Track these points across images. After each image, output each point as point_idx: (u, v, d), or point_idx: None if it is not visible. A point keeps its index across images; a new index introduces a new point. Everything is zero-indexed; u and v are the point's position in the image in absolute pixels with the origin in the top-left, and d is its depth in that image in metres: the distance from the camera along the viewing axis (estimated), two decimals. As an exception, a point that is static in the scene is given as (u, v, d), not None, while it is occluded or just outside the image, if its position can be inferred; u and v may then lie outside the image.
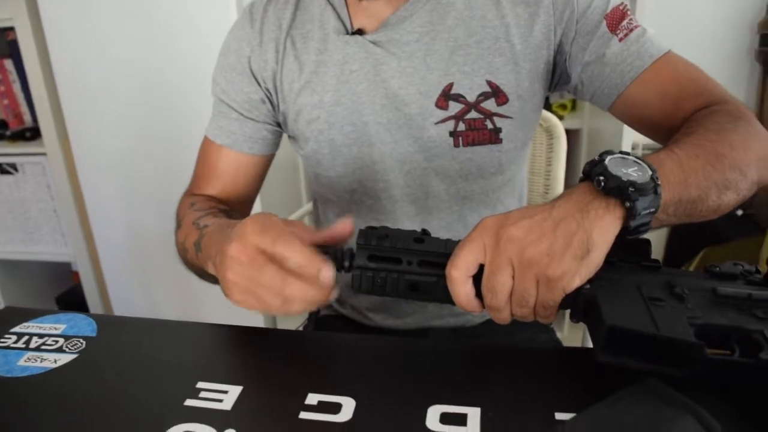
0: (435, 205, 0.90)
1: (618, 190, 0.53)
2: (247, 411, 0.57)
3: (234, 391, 0.59)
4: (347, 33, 0.85)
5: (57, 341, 0.70)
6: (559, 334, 1.08)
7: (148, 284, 1.99)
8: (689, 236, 2.13)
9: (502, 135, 0.84)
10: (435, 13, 0.83)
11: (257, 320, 1.59)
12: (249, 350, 0.70)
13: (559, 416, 0.53)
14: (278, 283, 0.58)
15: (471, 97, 0.83)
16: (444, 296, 0.58)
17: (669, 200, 0.57)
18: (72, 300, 2.30)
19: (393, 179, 0.88)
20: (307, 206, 1.35)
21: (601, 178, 0.54)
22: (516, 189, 0.97)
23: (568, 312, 0.57)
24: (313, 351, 0.68)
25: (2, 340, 0.70)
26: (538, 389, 0.58)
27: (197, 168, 0.97)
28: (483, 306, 0.57)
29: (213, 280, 0.71)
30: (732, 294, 0.56)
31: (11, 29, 1.88)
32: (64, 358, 0.66)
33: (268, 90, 0.90)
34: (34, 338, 0.70)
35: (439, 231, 0.90)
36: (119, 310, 2.06)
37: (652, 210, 0.54)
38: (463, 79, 0.82)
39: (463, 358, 0.65)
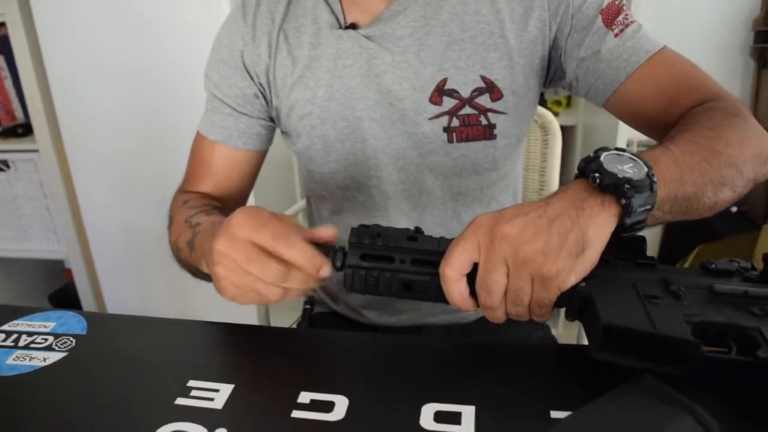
0: (429, 201, 0.89)
1: (613, 187, 0.53)
2: (238, 410, 0.56)
3: (225, 390, 0.59)
4: (340, 27, 0.85)
5: (46, 339, 0.69)
6: (554, 331, 1.08)
7: (142, 281, 1.98)
8: (684, 233, 2.14)
9: (496, 131, 0.84)
10: (429, 8, 0.83)
11: (251, 317, 1.59)
12: (241, 348, 0.69)
13: (555, 414, 0.53)
14: (281, 276, 0.58)
15: (465, 93, 0.82)
16: (438, 295, 0.58)
17: (665, 197, 0.57)
18: (65, 298, 2.29)
19: (386, 175, 0.87)
20: (301, 203, 1.34)
21: (597, 175, 0.54)
22: (510, 185, 0.96)
23: (563, 310, 0.57)
24: (305, 349, 0.67)
25: (-9, 338, 0.70)
26: (534, 387, 0.57)
27: (190, 164, 0.96)
28: (477, 305, 0.56)
29: (207, 278, 0.70)
30: (728, 291, 0.56)
31: (2, 25, 1.86)
32: (54, 357, 0.65)
33: (261, 85, 0.89)
34: (23, 336, 0.70)
35: (433, 227, 0.90)
36: (113, 307, 2.05)
37: (648, 207, 0.54)
38: (457, 75, 0.82)
39: (458, 355, 0.65)
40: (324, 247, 0.61)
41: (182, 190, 0.94)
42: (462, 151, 0.84)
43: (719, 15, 2.15)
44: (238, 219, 0.59)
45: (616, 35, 0.78)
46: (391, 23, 0.83)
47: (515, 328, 0.94)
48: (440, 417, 0.53)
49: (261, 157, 0.97)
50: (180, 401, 0.57)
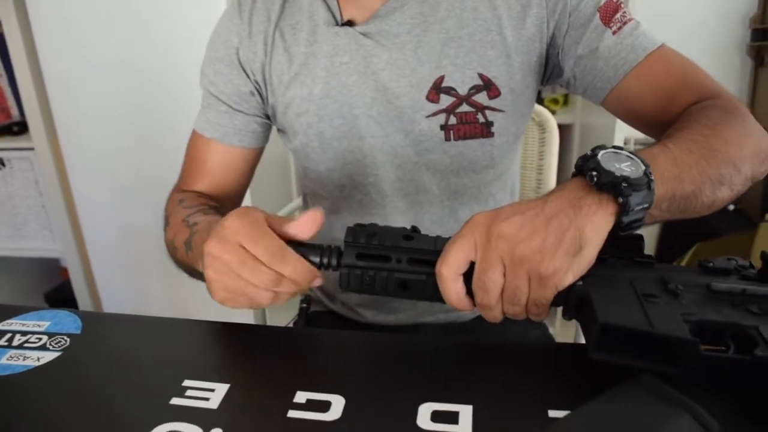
0: (426, 199, 0.89)
1: (611, 186, 0.53)
2: (234, 410, 0.56)
3: (221, 390, 0.58)
4: (337, 24, 0.84)
5: (40, 339, 0.68)
6: (551, 330, 1.07)
7: (138, 280, 1.98)
8: (681, 231, 2.14)
9: (493, 129, 0.83)
10: (426, 5, 0.82)
11: (247, 316, 1.58)
12: (237, 347, 0.69)
13: (553, 414, 0.52)
14: (273, 281, 0.58)
15: (462, 90, 0.82)
16: (434, 294, 0.58)
17: (662, 196, 0.57)
18: (61, 296, 2.28)
19: (383, 173, 0.87)
20: (297, 201, 1.34)
21: (594, 173, 0.54)
22: (508, 183, 0.96)
23: (560, 309, 0.56)
24: (301, 348, 0.67)
25: (-16, 338, 0.69)
26: (531, 387, 0.57)
27: (185, 163, 0.95)
28: (474, 304, 0.56)
29: (203, 278, 0.70)
30: (726, 290, 0.56)
31: (-3, 22, 1.86)
32: (48, 356, 0.65)
33: (257, 82, 0.89)
34: (17, 336, 0.69)
35: (431, 226, 0.89)
36: (109, 306, 2.04)
37: (646, 206, 0.54)
38: (455, 72, 0.81)
39: (455, 354, 0.64)
40: (320, 247, 0.60)
41: (178, 188, 0.94)
42: (459, 149, 0.84)
43: (716, 13, 2.15)
44: (231, 223, 0.59)
45: (614, 33, 0.77)
46: (387, 20, 0.82)
47: (512, 326, 0.94)
48: (437, 416, 0.53)
49: (257, 154, 0.96)
50: (175, 401, 0.57)
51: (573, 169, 0.58)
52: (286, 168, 2.09)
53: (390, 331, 0.96)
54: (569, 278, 0.53)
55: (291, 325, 1.06)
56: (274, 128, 0.96)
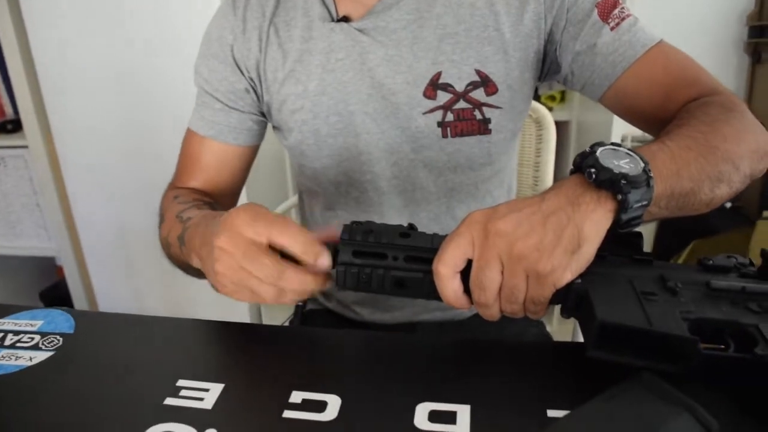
0: (423, 197, 0.88)
1: (609, 183, 0.52)
2: (228, 410, 0.55)
3: (215, 390, 0.58)
4: (332, 20, 0.84)
5: (33, 338, 0.68)
6: (548, 327, 1.07)
7: (134, 278, 1.97)
8: (678, 229, 2.14)
9: (491, 125, 0.83)
10: (422, 0, 0.81)
11: (243, 314, 1.58)
12: (232, 346, 0.68)
13: (552, 413, 0.52)
14: (275, 275, 0.57)
15: (459, 87, 0.81)
16: (431, 292, 0.57)
17: (661, 193, 0.56)
18: (56, 295, 2.27)
19: (379, 171, 0.86)
20: (293, 199, 1.33)
21: (593, 170, 0.53)
22: (505, 181, 0.95)
23: (557, 306, 0.56)
24: (297, 347, 0.66)
25: (-24, 337, 0.68)
26: (530, 386, 0.56)
27: (180, 160, 0.94)
28: (471, 302, 0.55)
29: (198, 274, 0.69)
30: (726, 287, 0.55)
31: (-9, 19, 1.84)
32: (40, 356, 0.64)
33: (251, 79, 0.88)
34: (9, 335, 0.68)
35: (428, 224, 0.89)
36: (104, 305, 2.04)
37: (645, 203, 0.53)
38: (452, 68, 0.81)
39: (453, 353, 0.64)
40: None
41: (173, 186, 0.93)
42: (456, 146, 0.83)
43: (713, 10, 2.15)
44: (239, 215, 0.58)
45: (612, 29, 0.77)
46: (384, 16, 0.82)
47: (510, 324, 0.94)
48: (435, 416, 0.53)
49: (253, 152, 0.95)
50: (169, 401, 0.56)
51: (571, 166, 0.57)
52: (282, 165, 2.09)
53: (386, 329, 0.95)
54: (567, 276, 0.52)
55: (287, 323, 1.05)
56: (269, 125, 0.95)
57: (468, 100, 0.81)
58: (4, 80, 2.04)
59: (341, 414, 0.54)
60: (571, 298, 0.54)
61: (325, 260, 0.58)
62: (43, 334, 0.68)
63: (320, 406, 0.54)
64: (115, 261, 1.95)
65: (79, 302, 2.11)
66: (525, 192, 1.27)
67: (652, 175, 0.53)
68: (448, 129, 0.82)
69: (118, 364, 0.63)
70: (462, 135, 0.83)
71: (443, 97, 0.81)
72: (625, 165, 0.53)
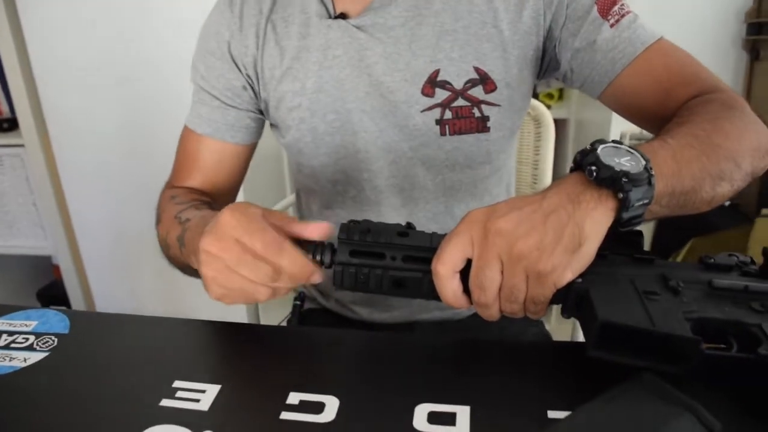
0: (421, 195, 0.87)
1: (610, 181, 0.52)
2: (225, 411, 0.54)
3: (212, 391, 0.57)
4: (330, 17, 0.83)
5: (27, 339, 0.67)
6: (547, 326, 1.06)
7: (131, 278, 1.96)
8: (677, 226, 2.14)
9: (489, 123, 0.82)
10: (421, -3, 0.81)
11: (241, 314, 1.57)
12: (229, 347, 0.67)
13: (552, 414, 0.51)
14: (271, 278, 0.56)
15: (458, 84, 0.80)
16: (430, 292, 0.56)
17: (662, 191, 0.56)
18: (53, 295, 2.25)
19: (377, 169, 0.86)
20: (290, 197, 1.32)
21: (593, 168, 0.53)
22: (504, 179, 0.95)
23: (556, 305, 0.55)
24: (295, 347, 0.66)
25: (-30, 338, 0.68)
26: (530, 386, 0.56)
27: (177, 159, 0.94)
28: (471, 302, 0.55)
29: (197, 275, 0.68)
30: (728, 286, 0.55)
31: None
32: (35, 357, 0.64)
33: (248, 76, 0.87)
34: (4, 336, 0.68)
35: (426, 222, 0.88)
36: (102, 304, 2.03)
37: (646, 201, 0.53)
38: (450, 66, 0.80)
39: (452, 354, 0.63)
40: (313, 244, 0.59)
41: (170, 185, 0.92)
42: (455, 144, 0.83)
43: (712, 7, 2.15)
44: (227, 218, 0.57)
45: (611, 26, 0.76)
46: (382, 13, 0.81)
47: (509, 324, 0.93)
48: (434, 418, 0.52)
49: (250, 150, 0.95)
50: (165, 402, 0.55)
51: (571, 164, 0.56)
52: (280, 163, 2.08)
53: (385, 328, 0.95)
54: (568, 275, 0.51)
55: (285, 322, 1.05)
56: (267, 123, 0.95)
57: (467, 98, 0.81)
58: (1, 79, 2.02)
59: (339, 415, 0.53)
60: (572, 298, 0.53)
61: (317, 278, 0.57)
62: (37, 335, 0.68)
63: (318, 408, 0.54)
64: (112, 260, 1.95)
65: (76, 302, 2.10)
66: (524, 190, 1.27)
67: (653, 173, 0.53)
68: (447, 127, 0.82)
69: (113, 364, 0.62)
70: (460, 133, 0.82)
71: (441, 94, 0.81)
72: (626, 163, 0.53)
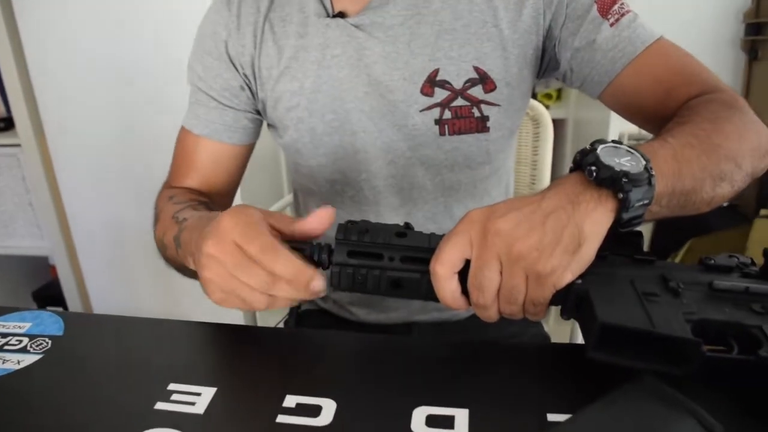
0: (420, 196, 0.87)
1: (610, 181, 0.51)
2: (220, 414, 0.54)
3: (207, 393, 0.56)
4: (328, 16, 0.82)
5: (21, 341, 0.66)
6: (545, 327, 1.06)
7: (128, 278, 1.96)
8: (675, 227, 2.13)
9: (489, 123, 0.82)
10: (419, -4, 0.80)
11: (237, 316, 1.57)
12: (224, 349, 0.67)
13: (552, 417, 0.51)
14: (267, 285, 0.54)
15: (457, 84, 0.80)
16: (428, 293, 0.56)
17: (663, 192, 0.55)
18: (50, 295, 2.25)
19: (376, 169, 0.85)
20: (288, 197, 1.32)
21: (593, 168, 0.52)
22: (503, 179, 0.94)
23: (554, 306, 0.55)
24: (291, 349, 0.65)
25: (-37, 340, 0.67)
26: (530, 389, 0.55)
27: (175, 160, 0.93)
28: (469, 303, 0.54)
29: (194, 276, 0.67)
30: (729, 288, 0.54)
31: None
32: (28, 359, 0.63)
33: (246, 76, 0.87)
34: (-3, 338, 0.67)
35: (424, 223, 0.88)
36: (98, 305, 2.02)
37: (646, 202, 0.52)
38: (450, 65, 0.80)
39: (450, 356, 0.63)
40: (309, 244, 0.58)
41: (168, 185, 0.91)
42: (454, 144, 0.82)
43: (710, 7, 2.15)
44: (228, 221, 0.56)
45: (611, 25, 0.76)
46: (380, 11, 0.80)
47: (508, 325, 0.92)
48: (432, 421, 0.51)
49: (248, 151, 0.94)
50: (160, 405, 0.55)
51: (571, 164, 0.56)
52: (278, 164, 2.07)
53: (383, 329, 0.94)
54: (568, 277, 0.51)
55: (282, 323, 1.04)
56: (264, 123, 0.94)
57: (466, 98, 0.80)
58: (-4, 78, 2.02)
59: (336, 418, 0.52)
60: (572, 299, 0.53)
61: (317, 284, 0.54)
62: (31, 337, 0.67)
63: (315, 411, 0.53)
64: (109, 260, 1.94)
65: (73, 302, 2.09)
66: (522, 191, 1.27)
67: (653, 173, 0.52)
68: (446, 127, 0.81)
69: (107, 367, 0.61)
70: (460, 133, 0.81)
71: (441, 94, 0.80)
72: (626, 163, 0.52)
